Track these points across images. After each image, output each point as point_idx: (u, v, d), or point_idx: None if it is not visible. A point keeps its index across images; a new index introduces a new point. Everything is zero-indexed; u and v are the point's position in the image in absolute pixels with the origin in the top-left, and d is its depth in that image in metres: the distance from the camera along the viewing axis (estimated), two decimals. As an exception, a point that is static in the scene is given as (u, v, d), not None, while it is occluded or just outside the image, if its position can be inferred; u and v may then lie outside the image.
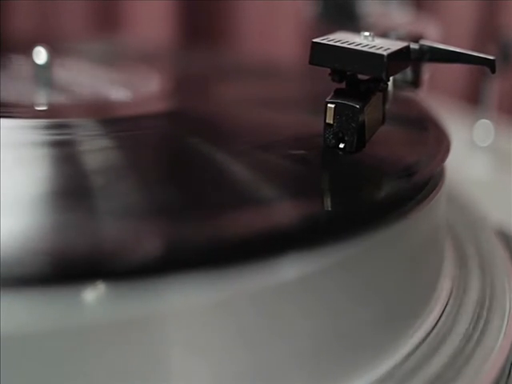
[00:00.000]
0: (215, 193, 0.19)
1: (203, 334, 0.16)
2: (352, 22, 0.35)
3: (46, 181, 0.20)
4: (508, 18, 0.61)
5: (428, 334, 0.20)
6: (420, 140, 0.25)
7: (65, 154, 0.22)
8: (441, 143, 0.24)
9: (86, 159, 0.22)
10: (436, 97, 0.48)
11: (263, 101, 0.30)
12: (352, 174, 0.22)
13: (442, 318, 0.21)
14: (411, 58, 0.22)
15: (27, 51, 0.32)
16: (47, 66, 0.31)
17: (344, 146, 0.22)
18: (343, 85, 0.22)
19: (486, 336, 0.20)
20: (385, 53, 0.20)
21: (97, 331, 0.15)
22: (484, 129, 0.43)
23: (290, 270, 0.16)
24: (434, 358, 0.19)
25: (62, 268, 0.14)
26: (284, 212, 0.18)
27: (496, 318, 0.21)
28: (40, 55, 0.31)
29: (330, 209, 0.19)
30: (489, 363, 0.19)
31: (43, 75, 0.31)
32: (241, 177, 0.21)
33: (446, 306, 0.22)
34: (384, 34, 0.24)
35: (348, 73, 0.22)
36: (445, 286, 0.23)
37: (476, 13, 0.63)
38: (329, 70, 0.22)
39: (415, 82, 0.26)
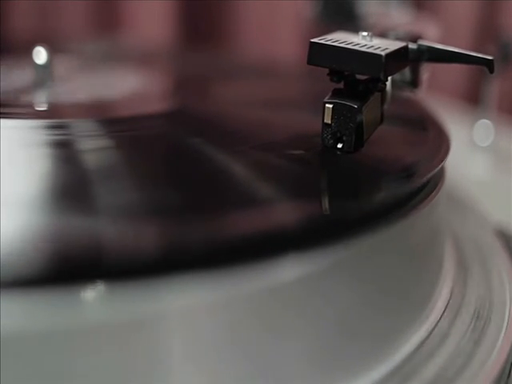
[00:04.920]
0: (215, 193, 0.19)
1: (203, 334, 0.16)
2: (351, 22, 0.35)
3: (45, 181, 0.20)
4: (508, 18, 0.61)
5: (428, 334, 0.20)
6: (420, 140, 0.25)
7: (65, 154, 0.22)
8: (441, 143, 0.24)
9: (85, 159, 0.22)
10: (436, 97, 0.48)
11: (263, 101, 0.30)
12: (351, 174, 0.21)
13: (442, 318, 0.21)
14: (409, 58, 0.22)
15: (27, 51, 0.32)
16: (47, 66, 0.31)
17: (342, 146, 0.22)
18: (341, 85, 0.22)
19: (486, 336, 0.20)
20: (383, 53, 0.20)
21: (96, 331, 0.15)
22: (484, 129, 0.43)
23: (289, 270, 0.16)
24: (434, 358, 0.19)
25: (61, 268, 0.15)
26: (283, 212, 0.18)
27: (496, 318, 0.21)
28: (40, 55, 0.31)
29: (328, 209, 0.19)
30: (489, 363, 0.19)
31: (43, 75, 0.31)
32: (240, 177, 0.21)
33: (446, 306, 0.22)
34: (382, 34, 0.24)
35: (346, 73, 0.22)
36: (445, 286, 0.23)
37: (476, 13, 0.63)
38: (327, 70, 0.22)
39: (414, 82, 0.26)
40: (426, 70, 0.26)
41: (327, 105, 0.21)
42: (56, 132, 0.24)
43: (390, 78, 0.23)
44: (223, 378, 0.16)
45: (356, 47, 0.21)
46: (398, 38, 0.24)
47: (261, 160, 0.22)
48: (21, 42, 0.43)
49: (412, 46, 0.22)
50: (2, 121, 0.24)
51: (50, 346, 0.14)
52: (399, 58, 0.22)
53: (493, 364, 0.19)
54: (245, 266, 0.16)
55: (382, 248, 0.19)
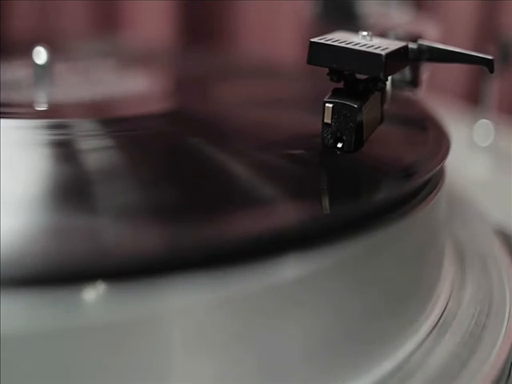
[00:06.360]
0: (215, 193, 0.19)
1: (203, 334, 0.16)
2: (352, 22, 0.35)
3: (45, 181, 0.20)
4: (508, 18, 0.61)
5: (428, 334, 0.20)
6: (420, 140, 0.25)
7: (65, 154, 0.22)
8: (441, 143, 0.24)
9: (86, 159, 0.22)
10: (436, 97, 0.48)
11: (263, 101, 0.30)
12: (351, 174, 0.22)
13: (442, 318, 0.21)
14: (409, 58, 0.22)
15: (27, 51, 0.32)
16: (47, 66, 0.31)
17: (342, 146, 0.22)
18: (341, 84, 0.22)
19: (486, 336, 0.20)
20: (383, 52, 0.20)
21: (96, 331, 0.15)
22: (484, 129, 0.42)
23: (289, 269, 0.16)
24: (434, 358, 0.19)
25: (61, 268, 0.14)
26: (284, 212, 0.18)
27: (496, 318, 0.21)
28: (40, 55, 0.31)
29: (329, 209, 0.19)
30: (489, 363, 0.19)
31: (43, 75, 0.31)
32: (240, 177, 0.21)
33: (445, 306, 0.22)
34: (382, 34, 0.24)
35: (346, 72, 0.22)
36: (445, 286, 0.23)
37: (476, 13, 0.63)
38: (327, 70, 0.22)
39: (414, 82, 0.26)
40: (426, 70, 0.26)
41: (327, 104, 0.21)
42: (56, 132, 0.24)
43: (389, 78, 0.23)
44: (223, 378, 0.16)
45: (356, 47, 0.21)
46: (398, 38, 0.24)
47: (261, 160, 0.22)
48: (21, 41, 0.43)
49: (412, 45, 0.22)
50: (2, 121, 0.24)
51: (49, 345, 0.14)
52: (399, 57, 0.22)
53: (493, 364, 0.19)
54: (245, 266, 0.16)
55: (382, 248, 0.19)
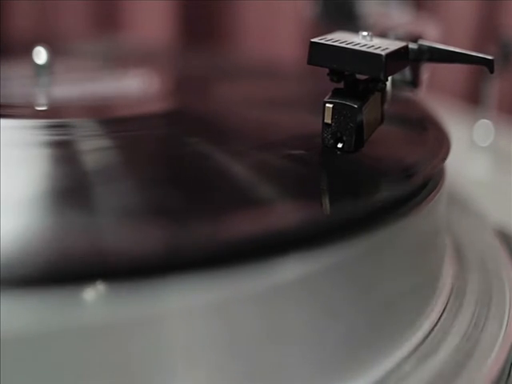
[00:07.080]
0: (215, 193, 0.19)
1: (203, 334, 0.16)
2: (352, 22, 0.35)
3: (45, 181, 0.20)
4: (508, 18, 0.61)
5: (428, 334, 0.20)
6: (420, 140, 0.25)
7: (65, 154, 0.22)
8: (441, 143, 0.24)
9: (86, 159, 0.22)
10: (436, 97, 0.48)
11: (263, 101, 0.30)
12: (351, 174, 0.21)
13: (442, 318, 0.21)
14: (410, 58, 0.22)
15: (27, 51, 0.32)
16: (47, 66, 0.31)
17: (342, 146, 0.22)
18: (342, 84, 0.22)
19: (486, 336, 0.20)
20: (383, 53, 0.20)
21: (96, 331, 0.15)
22: (484, 129, 0.43)
23: (289, 270, 0.16)
24: (434, 358, 0.19)
25: (61, 268, 0.14)
26: (283, 213, 0.18)
27: (496, 317, 0.21)
28: (40, 55, 0.31)
29: (329, 209, 0.19)
30: (489, 363, 0.19)
31: (43, 75, 0.31)
32: (240, 177, 0.21)
33: (445, 306, 0.22)
34: (383, 34, 0.24)
35: (346, 73, 0.22)
36: (445, 285, 0.23)
37: (476, 13, 0.63)
38: (327, 70, 0.22)
39: (414, 82, 0.26)
40: (426, 70, 0.26)
41: (327, 105, 0.21)
42: (56, 132, 0.24)
43: (390, 78, 0.23)
44: (223, 379, 0.16)
45: (356, 47, 0.21)
46: (398, 38, 0.24)
47: (261, 160, 0.22)
48: (21, 41, 0.43)
49: (412, 45, 0.22)
50: (2, 121, 0.24)
51: (49, 346, 0.14)
52: (399, 57, 0.22)
53: (493, 364, 0.19)
54: (245, 267, 0.16)
55: (382, 248, 0.19)
